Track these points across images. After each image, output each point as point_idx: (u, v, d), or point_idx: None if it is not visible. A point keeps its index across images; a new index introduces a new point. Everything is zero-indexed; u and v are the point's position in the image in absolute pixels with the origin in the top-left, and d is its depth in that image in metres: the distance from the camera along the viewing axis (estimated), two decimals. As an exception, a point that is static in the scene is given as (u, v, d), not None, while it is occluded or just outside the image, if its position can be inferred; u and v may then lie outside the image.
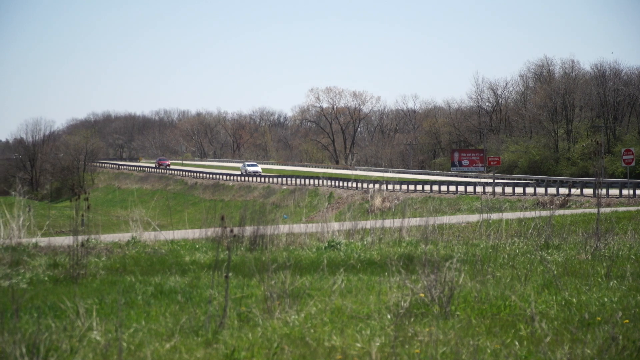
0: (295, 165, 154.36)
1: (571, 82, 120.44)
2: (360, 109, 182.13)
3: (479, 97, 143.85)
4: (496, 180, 77.81)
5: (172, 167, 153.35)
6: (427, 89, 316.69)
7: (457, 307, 11.72)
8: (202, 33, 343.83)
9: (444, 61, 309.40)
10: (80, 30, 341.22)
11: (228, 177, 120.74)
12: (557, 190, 65.39)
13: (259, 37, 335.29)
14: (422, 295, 11.97)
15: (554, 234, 22.15)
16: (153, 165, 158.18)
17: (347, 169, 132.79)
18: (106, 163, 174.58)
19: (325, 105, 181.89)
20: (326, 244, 21.08)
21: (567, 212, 40.94)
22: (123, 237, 23.51)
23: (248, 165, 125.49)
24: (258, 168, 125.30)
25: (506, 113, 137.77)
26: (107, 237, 23.59)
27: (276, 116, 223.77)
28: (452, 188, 77.33)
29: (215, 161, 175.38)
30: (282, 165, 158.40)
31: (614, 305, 11.79)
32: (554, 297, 12.40)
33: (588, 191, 63.32)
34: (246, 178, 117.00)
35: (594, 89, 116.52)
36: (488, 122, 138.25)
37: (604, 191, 60.09)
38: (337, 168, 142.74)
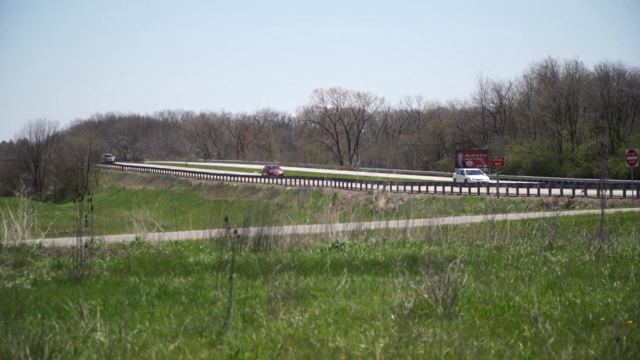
0: (300, 166, 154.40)
1: (575, 83, 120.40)
2: (364, 109, 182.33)
3: (482, 98, 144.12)
4: (500, 181, 77.80)
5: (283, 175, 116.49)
6: (431, 90, 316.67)
7: (461, 308, 11.71)
8: (206, 34, 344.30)
9: (448, 62, 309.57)
10: (84, 31, 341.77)
11: (232, 178, 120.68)
12: (561, 191, 65.45)
13: (263, 38, 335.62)
14: (426, 296, 11.96)
15: (557, 234, 22.14)
16: (260, 174, 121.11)
17: (351, 169, 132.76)
18: (110, 164, 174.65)
19: (329, 106, 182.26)
20: (330, 245, 21.07)
21: (571, 212, 40.90)
22: (127, 238, 23.51)
23: (469, 172, 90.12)
24: (484, 176, 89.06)
25: (510, 114, 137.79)
26: (111, 238, 23.60)
27: (280, 117, 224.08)
28: (456, 189, 77.31)
29: (220, 162, 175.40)
30: (286, 166, 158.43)
31: (618, 306, 11.78)
32: (558, 298, 12.39)
33: (592, 192, 63.31)
34: (250, 179, 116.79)
35: (598, 89, 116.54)
36: (492, 123, 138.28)
37: (607, 192, 60.17)
38: (341, 169, 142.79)
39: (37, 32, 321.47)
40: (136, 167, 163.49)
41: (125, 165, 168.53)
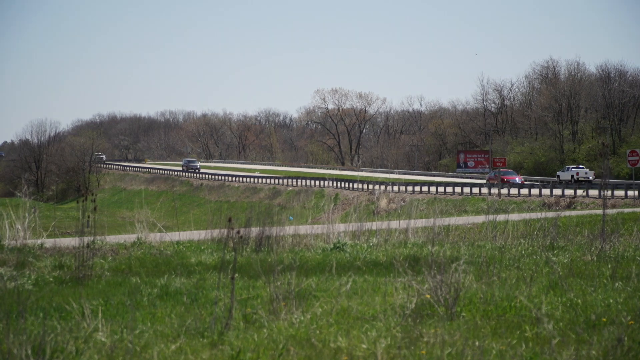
0: (301, 167, 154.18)
1: (576, 83, 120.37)
2: (366, 110, 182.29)
3: (484, 98, 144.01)
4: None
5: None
6: (432, 91, 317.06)
7: (462, 309, 11.71)
8: (208, 34, 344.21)
9: (449, 63, 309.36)
10: (86, 31, 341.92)
11: (234, 178, 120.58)
12: (563, 192, 65.44)
13: (265, 38, 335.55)
14: (428, 296, 11.96)
15: (559, 235, 22.12)
16: (486, 182, 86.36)
17: (352, 170, 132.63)
18: (112, 164, 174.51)
19: (331, 106, 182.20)
20: (332, 245, 21.06)
21: (573, 213, 40.93)
22: (129, 238, 23.51)
23: None
24: None
25: (512, 114, 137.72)
26: (113, 239, 23.61)
27: (282, 117, 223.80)
28: (458, 189, 77.32)
29: (221, 162, 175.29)
30: (287, 166, 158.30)
31: (620, 306, 11.78)
32: (560, 298, 12.39)
33: (593, 192, 63.29)
34: (251, 179, 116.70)
35: (599, 90, 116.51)
36: (493, 123, 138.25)
37: (609, 192, 60.15)
38: (342, 169, 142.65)
39: (39, 32, 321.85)
40: (138, 167, 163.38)
41: (127, 166, 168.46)
